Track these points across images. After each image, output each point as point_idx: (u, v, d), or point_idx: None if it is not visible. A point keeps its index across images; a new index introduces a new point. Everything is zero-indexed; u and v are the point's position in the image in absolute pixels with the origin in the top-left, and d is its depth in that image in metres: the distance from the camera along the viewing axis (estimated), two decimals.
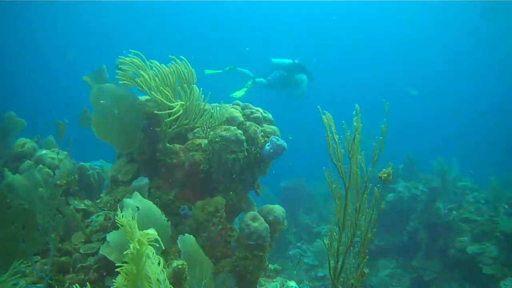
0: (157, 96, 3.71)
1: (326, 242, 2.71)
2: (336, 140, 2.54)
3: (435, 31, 30.19)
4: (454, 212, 8.75)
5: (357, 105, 2.55)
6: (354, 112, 2.57)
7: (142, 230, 2.17)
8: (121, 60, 3.86)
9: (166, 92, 3.70)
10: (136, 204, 3.23)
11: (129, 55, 3.84)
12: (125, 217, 2.12)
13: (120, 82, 3.94)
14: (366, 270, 2.73)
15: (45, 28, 28.74)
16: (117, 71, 3.89)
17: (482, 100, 32.84)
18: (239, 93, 10.11)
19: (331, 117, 2.58)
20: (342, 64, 30.57)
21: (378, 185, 2.57)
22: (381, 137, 2.47)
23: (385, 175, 2.48)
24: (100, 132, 4.06)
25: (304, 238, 11.21)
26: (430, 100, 33.51)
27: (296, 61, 10.93)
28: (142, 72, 3.74)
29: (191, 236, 3.34)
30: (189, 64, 3.84)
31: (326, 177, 2.62)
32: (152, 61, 3.85)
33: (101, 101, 3.94)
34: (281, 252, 9.95)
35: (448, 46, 30.98)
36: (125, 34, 27.70)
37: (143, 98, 4.35)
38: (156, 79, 3.76)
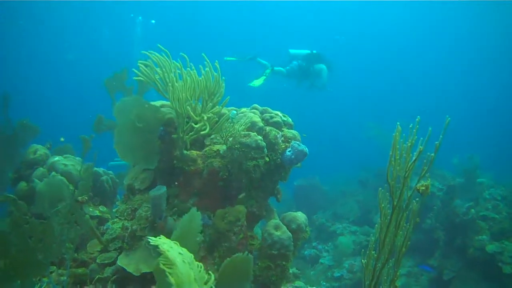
0: (191, 113, 3.62)
1: (363, 261, 2.60)
2: (396, 158, 2.42)
3: (447, 30, 30.12)
4: (472, 210, 8.61)
5: (418, 117, 2.43)
6: (410, 125, 2.44)
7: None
8: (146, 55, 3.75)
9: (201, 114, 3.61)
10: (189, 221, 3.14)
11: (159, 54, 3.73)
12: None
13: (135, 78, 3.85)
14: (398, 284, 2.61)
15: (43, 28, 28.58)
16: (139, 65, 3.78)
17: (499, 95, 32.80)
18: (257, 82, 10.11)
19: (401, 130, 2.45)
20: (350, 64, 30.49)
21: (417, 199, 2.46)
22: (432, 154, 2.35)
23: (423, 188, 2.37)
24: (123, 151, 3.96)
25: (319, 237, 11.11)
26: (444, 98, 33.47)
27: (314, 51, 10.82)
28: (174, 82, 3.62)
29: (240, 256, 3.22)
30: (219, 72, 3.72)
31: (379, 196, 2.51)
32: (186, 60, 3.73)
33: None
34: (297, 250, 9.86)
35: (466, 44, 30.89)
36: (125, 34, 27.56)
37: (158, 103, 4.24)
38: (181, 84, 3.65)
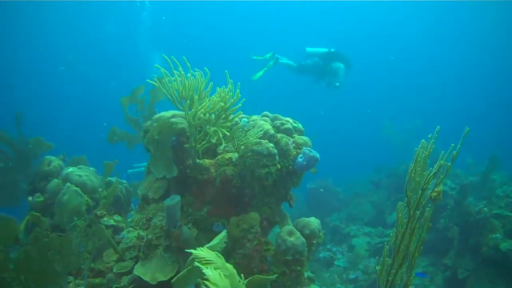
0: (210, 131, 3.67)
1: (378, 268, 2.64)
2: (417, 170, 2.45)
3: (459, 30, 30.10)
4: (485, 208, 8.57)
5: (437, 127, 2.46)
6: (430, 135, 2.47)
7: None
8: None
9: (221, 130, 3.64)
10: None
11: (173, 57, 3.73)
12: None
13: (148, 81, 3.89)
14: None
15: (43, 28, 28.41)
16: (162, 72, 3.79)
17: None
18: (258, 74, 10.18)
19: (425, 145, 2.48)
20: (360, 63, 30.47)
21: (430, 205, 2.49)
22: (449, 163, 2.38)
23: (435, 194, 2.39)
24: (154, 166, 4.02)
25: (334, 239, 11.12)
26: (450, 95, 33.38)
27: (332, 49, 10.76)
28: (193, 101, 3.66)
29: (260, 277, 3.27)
30: (238, 92, 3.73)
31: (398, 209, 2.54)
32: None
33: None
34: (311, 255, 9.83)
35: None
36: (124, 34, 27.42)
37: (169, 112, 4.29)
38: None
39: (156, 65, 3.75)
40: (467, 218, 8.71)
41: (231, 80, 3.69)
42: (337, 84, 10.80)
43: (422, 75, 34.55)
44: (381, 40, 33.01)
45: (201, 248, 2.19)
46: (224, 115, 3.74)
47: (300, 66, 11.04)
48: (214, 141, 3.69)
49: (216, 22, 31.85)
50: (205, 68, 3.78)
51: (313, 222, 4.02)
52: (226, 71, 3.65)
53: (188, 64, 3.71)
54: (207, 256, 2.12)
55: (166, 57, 3.68)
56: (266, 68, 10.65)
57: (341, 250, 10.41)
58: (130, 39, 24.02)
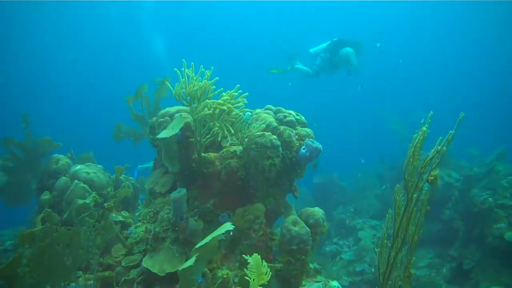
0: (217, 130, 3.72)
1: (377, 250, 2.70)
2: (416, 156, 2.51)
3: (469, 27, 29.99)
4: (490, 199, 8.59)
5: (431, 112, 2.51)
6: (422, 120, 2.53)
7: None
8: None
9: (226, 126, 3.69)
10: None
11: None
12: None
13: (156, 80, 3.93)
14: (412, 271, 2.70)
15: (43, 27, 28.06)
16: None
17: None
18: (275, 70, 10.25)
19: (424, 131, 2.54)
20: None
21: (426, 189, 2.54)
22: (444, 148, 2.44)
23: (432, 178, 2.45)
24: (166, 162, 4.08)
25: (340, 233, 11.13)
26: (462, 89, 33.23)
27: (334, 39, 10.62)
28: (200, 105, 3.71)
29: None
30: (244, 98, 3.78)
31: (395, 192, 2.60)
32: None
33: None
34: (318, 248, 9.85)
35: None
36: (123, 34, 27.17)
37: (174, 108, 4.35)
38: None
39: (175, 69, 3.78)
40: (472, 209, 8.73)
41: (240, 90, 3.74)
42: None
43: (431, 68, 34.38)
44: (388, 34, 32.89)
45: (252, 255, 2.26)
46: (227, 111, 3.78)
47: (314, 70, 10.88)
48: (219, 138, 3.74)
49: (220, 13, 31.71)
50: (217, 78, 3.80)
51: (317, 212, 4.07)
52: (237, 85, 3.69)
53: (203, 69, 3.73)
54: (253, 264, 2.20)
55: (184, 61, 3.71)
56: (285, 70, 10.68)
57: (347, 243, 10.42)
58: (132, 35, 23.86)
